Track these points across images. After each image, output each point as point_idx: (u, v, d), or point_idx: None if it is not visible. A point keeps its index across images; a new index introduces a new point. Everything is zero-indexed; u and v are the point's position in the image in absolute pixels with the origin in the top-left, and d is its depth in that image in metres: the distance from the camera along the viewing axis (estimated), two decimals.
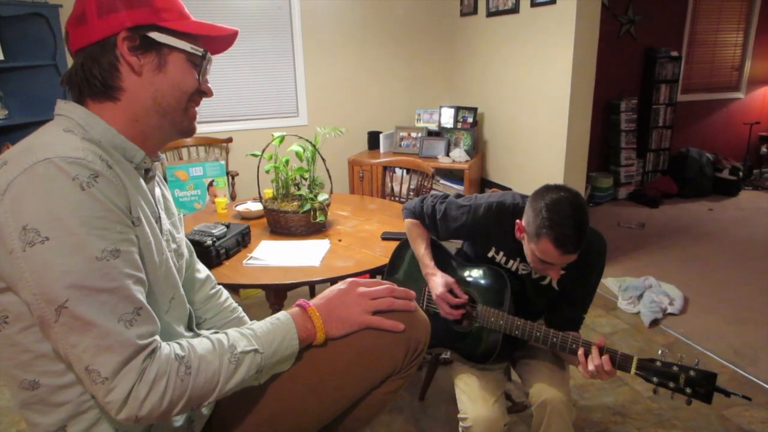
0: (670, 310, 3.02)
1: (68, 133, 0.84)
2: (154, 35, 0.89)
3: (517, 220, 1.52)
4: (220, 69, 4.06)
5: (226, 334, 0.93)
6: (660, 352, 1.36)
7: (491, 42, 4.17)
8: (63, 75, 0.92)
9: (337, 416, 1.10)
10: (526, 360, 1.69)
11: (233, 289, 1.79)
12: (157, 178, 1.07)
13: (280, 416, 1.03)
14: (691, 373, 1.29)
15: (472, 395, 1.58)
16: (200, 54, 0.94)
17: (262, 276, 1.84)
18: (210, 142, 4.06)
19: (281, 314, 1.01)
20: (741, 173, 5.68)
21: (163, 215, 1.02)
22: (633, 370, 1.35)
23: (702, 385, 1.27)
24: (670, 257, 3.88)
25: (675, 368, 1.30)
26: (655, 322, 2.93)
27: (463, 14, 4.46)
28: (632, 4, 5.20)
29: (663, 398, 2.24)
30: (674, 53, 5.43)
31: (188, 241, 1.20)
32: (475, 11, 4.28)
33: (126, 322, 0.79)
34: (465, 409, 1.56)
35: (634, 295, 3.13)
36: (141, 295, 0.82)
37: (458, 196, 1.77)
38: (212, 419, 1.07)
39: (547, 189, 1.43)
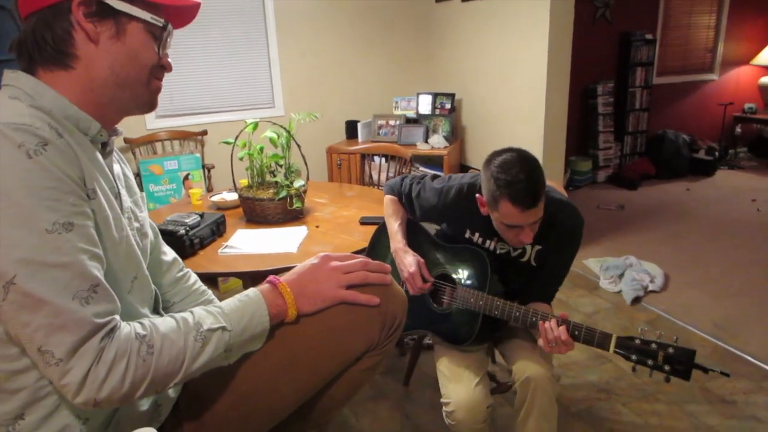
0: (651, 287, 3.03)
1: (14, 100, 0.79)
2: (112, 2, 0.84)
3: (477, 195, 1.52)
4: (192, 60, 3.98)
5: (191, 312, 0.88)
6: (639, 330, 1.35)
7: (467, 27, 4.14)
8: (12, 41, 0.86)
9: (313, 395, 1.06)
10: (508, 339, 1.68)
11: (209, 279, 1.74)
12: (116, 154, 1.02)
13: (252, 397, 0.99)
14: (670, 350, 1.28)
15: (453, 378, 1.56)
16: (160, 25, 0.90)
17: (238, 264, 1.79)
18: (185, 136, 3.98)
19: (250, 291, 0.97)
20: (717, 153, 5.76)
21: (123, 192, 0.97)
22: (612, 348, 1.34)
23: (681, 362, 1.26)
24: (650, 236, 3.91)
25: (654, 345, 1.29)
26: (636, 300, 2.94)
27: (438, 0, 4.42)
28: None
29: (646, 374, 2.24)
30: (649, 36, 5.46)
31: (153, 223, 1.15)
32: None
33: (81, 300, 0.74)
34: (447, 393, 1.54)
35: (615, 274, 3.15)
36: (98, 271, 0.77)
37: (434, 177, 1.75)
38: (180, 402, 1.03)
39: (493, 154, 1.45)
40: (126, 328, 0.79)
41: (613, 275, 3.14)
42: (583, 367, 2.34)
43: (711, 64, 6.16)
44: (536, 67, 3.48)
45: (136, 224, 1.00)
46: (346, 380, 1.07)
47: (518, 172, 1.35)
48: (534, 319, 1.46)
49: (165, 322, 0.84)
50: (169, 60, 0.95)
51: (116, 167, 1.00)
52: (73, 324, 0.73)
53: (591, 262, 3.42)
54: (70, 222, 0.75)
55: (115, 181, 0.93)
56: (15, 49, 0.86)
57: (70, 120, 0.84)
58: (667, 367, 1.27)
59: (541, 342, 1.43)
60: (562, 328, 1.38)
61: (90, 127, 0.87)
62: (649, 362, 1.29)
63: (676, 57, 5.93)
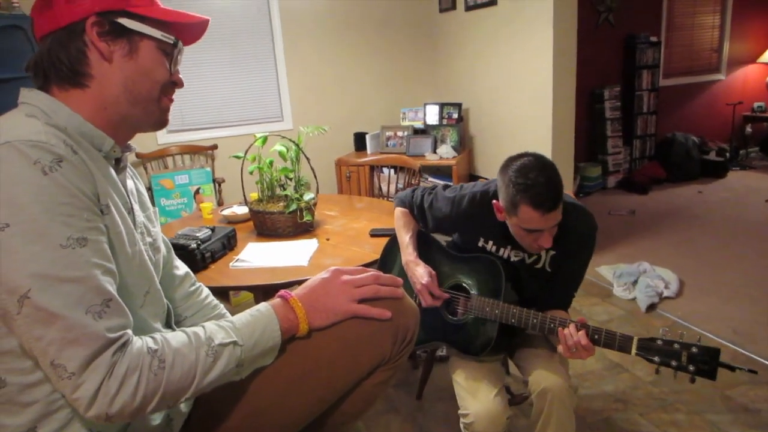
0: (666, 293, 3.00)
1: (30, 118, 0.81)
2: (124, 21, 0.86)
3: (493, 201, 1.51)
4: (202, 76, 4.01)
5: (203, 326, 0.88)
6: (660, 331, 1.33)
7: (472, 36, 4.15)
8: (28, 61, 0.88)
9: (325, 410, 1.06)
10: (523, 349, 1.66)
11: (220, 292, 1.74)
12: (129, 170, 1.03)
13: (264, 412, 0.99)
14: (694, 349, 1.25)
15: (471, 389, 1.54)
16: (171, 42, 0.92)
17: (249, 278, 1.79)
18: (195, 150, 4.01)
19: (262, 305, 0.97)
20: (728, 154, 5.71)
21: (136, 207, 0.98)
22: (633, 350, 1.32)
23: (705, 362, 1.23)
24: (663, 242, 3.87)
25: (676, 346, 1.27)
26: (651, 307, 2.90)
27: (442, 10, 4.44)
28: None
29: (665, 382, 2.21)
30: (654, 39, 5.45)
31: (165, 237, 1.16)
32: (453, 6, 4.26)
33: (94, 314, 0.74)
34: (465, 405, 1.52)
35: (629, 281, 3.11)
36: (110, 286, 0.78)
37: (446, 187, 1.75)
38: (192, 417, 1.02)
39: (509, 160, 1.45)
40: (138, 342, 0.79)
41: (626, 282, 3.11)
42: (599, 377, 2.31)
43: (717, 64, 6.12)
44: (542, 74, 3.47)
45: (148, 239, 1.00)
46: (358, 394, 1.06)
47: (537, 175, 1.35)
48: (552, 325, 1.44)
49: (176, 337, 0.84)
50: (180, 76, 0.97)
51: (129, 183, 1.01)
52: (86, 338, 0.73)
53: (604, 269, 3.39)
54: (83, 237, 0.75)
55: (128, 196, 0.94)
56: (31, 69, 0.87)
57: (85, 137, 0.85)
58: (691, 368, 1.25)
59: (560, 348, 1.41)
60: (582, 333, 1.36)
61: (104, 144, 0.88)
62: (673, 363, 1.27)
63: (681, 58, 5.91)
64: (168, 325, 1.05)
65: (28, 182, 0.72)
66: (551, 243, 1.44)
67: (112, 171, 0.90)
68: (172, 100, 0.96)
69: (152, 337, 0.82)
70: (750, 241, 3.77)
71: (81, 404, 0.74)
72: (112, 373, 0.74)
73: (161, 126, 0.97)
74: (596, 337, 1.37)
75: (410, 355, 2.46)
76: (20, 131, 0.76)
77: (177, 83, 0.96)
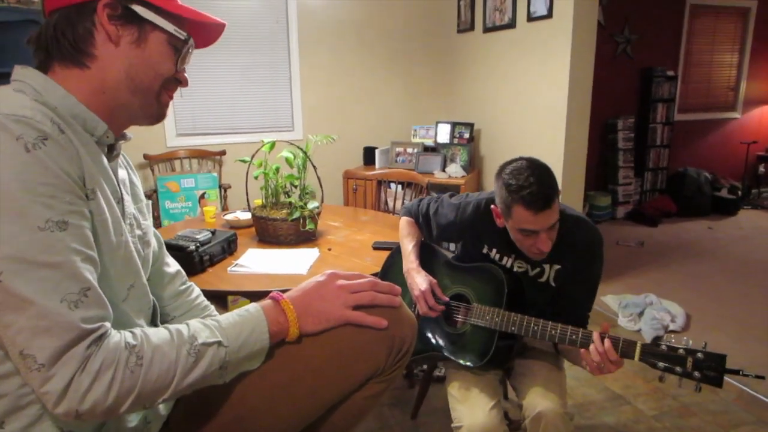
0: (672, 327, 2.93)
1: (18, 93, 0.77)
2: (138, 9, 0.84)
3: (492, 206, 1.51)
4: (216, 81, 4.02)
5: (187, 324, 0.83)
6: (664, 336, 1.28)
7: (488, 58, 4.15)
8: (31, 35, 0.85)
9: (313, 422, 1.00)
10: (521, 370, 1.61)
11: (217, 297, 1.71)
12: (123, 160, 1.00)
13: (247, 419, 0.93)
14: (699, 355, 1.21)
15: (465, 401, 1.49)
16: (183, 38, 0.89)
17: (246, 283, 1.75)
18: (203, 155, 4.00)
19: (251, 306, 0.92)
20: (740, 192, 5.65)
21: (126, 197, 0.95)
22: (637, 356, 1.28)
23: (711, 368, 1.19)
24: (671, 275, 3.81)
25: (681, 351, 1.23)
26: (656, 340, 2.83)
27: (460, 30, 4.45)
28: (628, 24, 5.22)
29: (668, 418, 2.14)
30: (670, 73, 5.44)
31: (157, 233, 1.12)
32: (471, 27, 4.27)
33: (70, 303, 0.70)
34: (459, 416, 1.47)
35: (635, 312, 3.05)
36: (90, 274, 0.74)
37: (452, 195, 1.74)
38: (171, 420, 0.97)
39: (504, 164, 1.47)
40: (116, 336, 0.75)
41: (632, 313, 3.05)
42: (599, 408, 2.24)
43: (734, 103, 6.10)
44: (557, 99, 3.45)
45: (138, 231, 0.97)
46: (348, 407, 1.00)
47: (528, 176, 1.37)
48: (553, 332, 1.40)
49: (158, 333, 0.80)
50: (186, 75, 0.94)
51: (122, 172, 0.97)
52: (59, 328, 0.69)
53: (609, 298, 3.33)
54: (64, 221, 0.72)
55: (119, 185, 0.91)
56: (33, 43, 0.85)
57: (77, 119, 0.82)
58: (697, 374, 1.20)
59: (585, 365, 1.36)
60: (608, 344, 1.30)
61: (96, 128, 0.85)
62: (678, 369, 1.22)
63: (698, 94, 5.89)
64: (153, 324, 1.01)
65: (8, 158, 0.68)
66: (549, 246, 1.42)
67: (104, 158, 0.87)
68: (171, 97, 0.94)
69: (132, 332, 0.78)
70: (759, 279, 3.70)
71: (50, 399, 0.70)
72: (84, 368, 0.70)
73: (157, 120, 0.94)
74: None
75: (407, 372, 2.40)
76: (5, 105, 0.72)
77: (181, 81, 0.93)
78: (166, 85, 0.91)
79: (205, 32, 0.96)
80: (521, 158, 1.45)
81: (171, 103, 0.96)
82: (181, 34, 0.89)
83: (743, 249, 4.37)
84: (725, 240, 4.62)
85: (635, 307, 3.08)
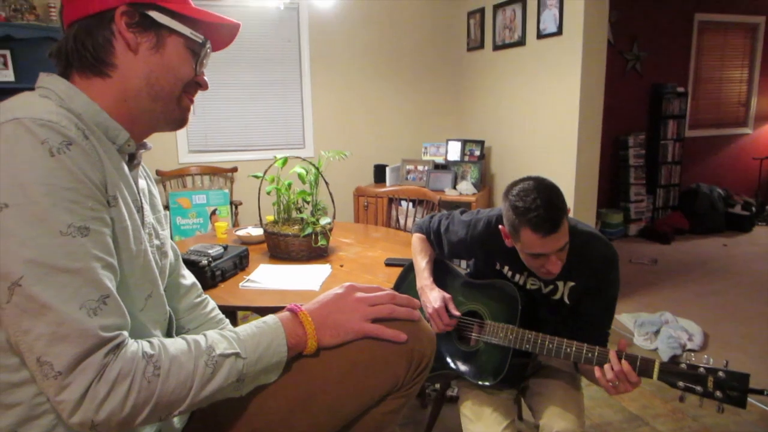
0: (689, 345, 2.87)
1: (44, 99, 0.78)
2: (154, 14, 0.84)
3: (500, 226, 1.47)
4: (228, 99, 4.06)
5: (204, 335, 0.82)
6: (682, 355, 1.25)
7: (498, 75, 4.16)
8: (51, 48, 0.86)
9: None
10: (536, 390, 1.58)
11: (228, 313, 1.70)
12: (143, 170, 1.00)
13: None
14: (720, 374, 1.17)
15: (480, 421, 1.46)
16: (200, 41, 0.89)
17: (258, 299, 1.74)
18: (215, 171, 4.02)
19: (269, 317, 0.90)
20: (754, 209, 5.58)
21: (146, 206, 0.94)
22: (656, 375, 1.24)
23: (733, 388, 1.14)
24: (686, 293, 3.75)
25: (702, 370, 1.19)
26: (674, 359, 2.78)
27: (470, 48, 4.48)
28: (637, 41, 5.23)
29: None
30: (680, 89, 5.42)
31: (174, 244, 1.11)
32: (481, 45, 4.29)
33: (89, 310, 0.69)
34: None
35: (651, 331, 2.99)
36: (110, 282, 0.73)
37: (463, 211, 1.72)
38: None
39: (511, 184, 1.43)
40: (133, 345, 0.74)
41: (648, 332, 2.99)
42: (616, 430, 2.19)
43: (745, 118, 6.07)
44: (567, 117, 3.45)
45: (156, 242, 0.96)
46: (366, 422, 0.98)
47: (535, 198, 1.33)
48: (569, 350, 1.37)
49: (175, 343, 0.78)
50: (206, 78, 0.94)
51: (142, 182, 0.97)
52: (77, 335, 0.68)
53: (624, 317, 3.27)
54: (86, 227, 0.71)
55: (139, 194, 0.90)
56: (54, 56, 0.85)
57: (99, 126, 0.82)
58: (718, 394, 1.16)
59: (600, 383, 1.32)
60: (625, 363, 1.27)
61: (118, 136, 0.85)
62: (698, 389, 1.18)
63: (708, 110, 5.86)
64: (169, 335, 1.00)
65: (33, 162, 0.68)
66: (559, 268, 1.38)
67: (125, 166, 0.87)
68: (192, 101, 0.94)
69: (149, 341, 0.76)
70: None
71: (65, 408, 0.68)
72: (102, 376, 0.69)
73: (180, 125, 0.94)
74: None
75: (420, 392, 2.36)
76: (31, 109, 0.72)
77: (201, 84, 0.93)
78: (186, 89, 0.91)
79: (220, 34, 0.96)
80: (528, 178, 1.41)
81: (188, 121, 0.96)
82: (198, 37, 0.89)
83: (760, 266, 4.30)
84: (741, 257, 4.56)
85: (651, 326, 3.03)
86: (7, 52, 3.21)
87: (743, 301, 3.58)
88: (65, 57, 0.84)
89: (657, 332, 2.99)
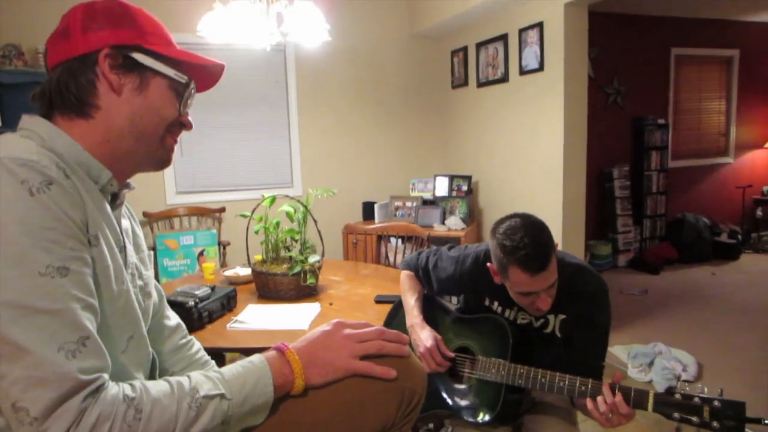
0: (684, 376, 2.85)
1: (25, 139, 0.77)
2: (138, 56, 0.85)
3: (488, 264, 1.46)
4: (216, 139, 4.08)
5: (188, 376, 0.80)
6: (677, 386, 1.23)
7: (483, 111, 4.23)
8: (35, 91, 0.86)
9: None
10: (532, 426, 1.54)
11: (215, 354, 1.66)
12: (126, 210, 0.98)
13: None
14: (716, 403, 1.15)
15: None
16: (184, 82, 0.90)
17: (245, 339, 1.71)
18: (203, 212, 4.01)
19: (255, 357, 0.88)
20: (740, 237, 5.64)
21: (129, 246, 0.93)
22: (651, 407, 1.22)
23: (729, 417, 1.13)
24: (677, 323, 3.74)
25: (697, 400, 1.17)
26: (669, 390, 2.75)
27: (454, 86, 4.56)
28: (617, 75, 5.36)
29: None
30: (661, 121, 5.54)
31: (158, 285, 1.09)
32: (465, 82, 4.38)
33: (68, 352, 0.67)
34: None
35: (645, 363, 2.97)
36: (90, 323, 0.71)
37: (451, 247, 1.71)
38: None
39: (498, 222, 1.42)
40: (114, 388, 0.71)
41: (642, 363, 2.97)
42: None
43: (725, 148, 6.19)
44: (552, 149, 3.50)
45: (139, 282, 0.94)
46: None
47: (523, 236, 1.32)
48: (561, 384, 1.34)
49: (158, 386, 0.76)
50: (189, 119, 0.94)
51: (125, 222, 0.96)
52: (55, 378, 0.65)
53: (617, 349, 3.25)
54: (65, 266, 0.70)
55: (121, 233, 0.89)
56: (37, 98, 0.85)
57: (82, 166, 0.82)
58: (715, 424, 1.14)
59: (594, 415, 1.30)
60: (619, 397, 1.25)
61: (101, 176, 0.84)
62: (694, 420, 1.16)
63: (689, 141, 5.98)
64: (152, 378, 0.97)
65: (12, 202, 0.67)
66: (549, 305, 1.38)
67: (107, 205, 0.86)
68: (176, 141, 0.94)
69: (131, 384, 0.74)
70: None
71: None
72: (80, 422, 0.66)
73: (163, 165, 0.94)
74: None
75: (411, 430, 2.31)
76: (11, 149, 0.72)
77: (185, 124, 0.93)
78: (170, 129, 0.91)
79: (205, 75, 0.96)
80: (515, 215, 1.41)
81: (172, 161, 0.95)
82: (182, 78, 0.89)
83: (749, 294, 4.32)
84: (730, 285, 4.58)
85: (644, 357, 3.01)
86: None
87: (735, 330, 3.58)
88: (48, 99, 0.84)
89: (651, 363, 2.97)
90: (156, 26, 0.89)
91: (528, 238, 1.32)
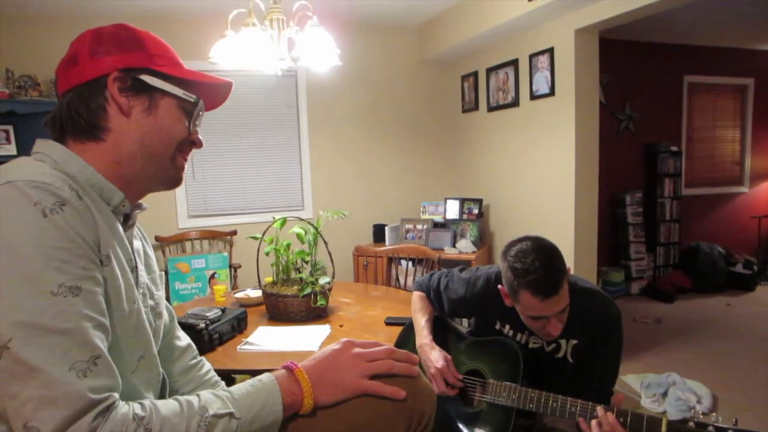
0: (698, 408, 2.79)
1: (39, 162, 0.79)
2: (146, 78, 0.86)
3: (499, 286, 1.46)
4: (227, 164, 4.12)
5: (197, 395, 0.79)
6: (692, 412, 1.21)
7: (493, 135, 4.25)
8: (47, 118, 0.87)
9: None
10: None
11: (226, 375, 1.65)
12: (138, 231, 1.00)
13: None
14: None
15: None
16: (192, 101, 0.91)
17: (255, 361, 1.71)
18: (214, 235, 4.03)
19: (264, 376, 0.88)
20: (755, 267, 5.55)
21: (141, 267, 0.94)
22: None
23: None
24: (692, 353, 3.67)
25: (711, 429, 1.15)
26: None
27: (465, 110, 4.60)
28: (629, 102, 5.37)
29: None
30: (674, 148, 5.51)
31: (169, 306, 1.10)
32: (476, 107, 4.41)
33: (79, 372, 0.67)
34: None
35: (658, 393, 2.92)
36: (101, 342, 0.72)
37: (462, 269, 1.71)
38: None
39: (510, 244, 1.41)
40: (124, 408, 0.71)
41: (655, 393, 2.91)
42: None
43: (740, 177, 6.14)
44: (564, 175, 3.49)
45: (150, 302, 0.95)
46: None
47: (534, 259, 1.32)
48: (573, 408, 1.32)
49: (167, 405, 0.76)
50: (200, 137, 0.96)
51: (137, 243, 0.97)
52: (66, 398, 0.66)
53: (631, 378, 3.19)
54: (77, 286, 0.70)
55: (133, 254, 0.90)
56: (49, 124, 0.87)
57: (94, 188, 0.83)
58: None
59: None
60: (610, 415, 1.24)
61: (113, 197, 0.85)
62: None
63: (703, 169, 5.94)
64: (162, 398, 0.97)
65: (25, 223, 0.69)
66: (560, 330, 1.37)
67: (119, 226, 0.87)
68: (186, 159, 0.95)
69: (141, 403, 0.74)
70: None
71: None
72: None
73: (175, 184, 0.95)
74: (621, 419, 1.25)
75: None
76: (25, 172, 0.73)
77: (195, 143, 0.95)
78: (180, 147, 0.92)
79: (213, 93, 0.98)
80: (527, 238, 1.40)
81: (183, 185, 0.96)
82: (191, 97, 0.91)
83: (766, 326, 4.23)
84: (746, 317, 4.49)
85: (658, 387, 2.95)
86: (10, 128, 3.29)
87: (751, 363, 3.50)
88: (60, 124, 0.85)
89: (664, 394, 2.91)
90: (163, 48, 0.90)
91: (539, 261, 1.31)
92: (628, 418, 1.24)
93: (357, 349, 0.93)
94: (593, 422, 1.27)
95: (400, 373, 0.92)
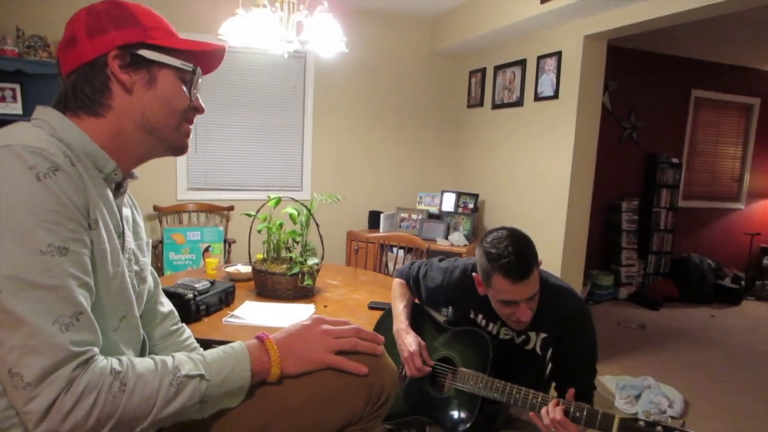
0: (669, 412, 2.86)
1: (36, 128, 0.84)
2: (144, 52, 0.90)
3: (473, 274, 1.52)
4: (230, 139, 4.16)
5: (172, 356, 0.86)
6: (642, 413, 1.27)
7: (495, 132, 4.29)
8: (53, 100, 0.91)
9: None
10: None
11: (208, 345, 1.71)
12: (128, 199, 1.04)
13: None
14: None
15: None
16: (190, 69, 0.95)
17: (239, 334, 1.76)
18: (212, 209, 4.08)
19: (236, 343, 0.94)
20: (743, 283, 5.62)
21: (128, 233, 0.99)
22: (615, 430, 1.26)
23: None
24: (671, 360, 3.75)
25: (659, 429, 1.21)
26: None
27: (470, 105, 4.63)
28: (634, 110, 5.39)
29: None
30: (675, 160, 5.55)
31: (155, 273, 1.16)
32: (481, 103, 4.44)
33: (62, 325, 0.73)
34: None
35: (632, 395, 2.99)
36: (84, 300, 0.77)
37: (441, 259, 1.77)
38: None
39: (486, 233, 1.49)
40: (102, 362, 0.77)
41: (629, 395, 2.99)
42: None
43: (737, 194, 6.18)
44: (560, 177, 3.54)
45: (135, 267, 1.00)
46: None
47: (507, 245, 1.39)
48: (535, 401, 1.39)
49: (143, 362, 0.82)
50: (201, 102, 1.00)
51: (126, 210, 1.01)
52: (48, 348, 0.71)
53: (607, 378, 3.27)
54: (65, 247, 0.75)
55: (121, 220, 0.95)
56: (54, 104, 0.90)
57: (88, 156, 0.87)
58: None
59: (537, 424, 1.35)
60: (559, 409, 1.31)
61: (106, 166, 0.90)
62: None
63: (702, 182, 5.98)
64: (142, 357, 1.03)
65: (20, 185, 0.73)
66: (529, 317, 1.43)
67: (110, 193, 0.91)
68: (191, 126, 0.99)
69: (118, 359, 0.80)
70: (762, 371, 3.63)
71: (31, 418, 0.71)
72: (69, 389, 0.72)
73: (181, 152, 0.99)
74: (577, 414, 1.31)
75: None
76: (23, 137, 0.78)
77: (198, 109, 0.99)
78: (184, 115, 0.96)
79: (208, 59, 1.01)
80: (503, 228, 1.48)
81: (185, 158, 1.00)
82: (188, 66, 0.94)
83: (746, 340, 4.30)
84: (728, 329, 4.56)
85: (633, 389, 3.02)
86: (17, 86, 3.31)
87: (727, 373, 3.58)
88: (63, 103, 0.89)
89: (638, 396, 2.98)
90: (156, 20, 0.94)
91: (513, 247, 1.38)
92: (584, 413, 1.31)
93: (326, 326, 1.00)
94: (542, 410, 1.34)
95: (365, 351, 0.99)
